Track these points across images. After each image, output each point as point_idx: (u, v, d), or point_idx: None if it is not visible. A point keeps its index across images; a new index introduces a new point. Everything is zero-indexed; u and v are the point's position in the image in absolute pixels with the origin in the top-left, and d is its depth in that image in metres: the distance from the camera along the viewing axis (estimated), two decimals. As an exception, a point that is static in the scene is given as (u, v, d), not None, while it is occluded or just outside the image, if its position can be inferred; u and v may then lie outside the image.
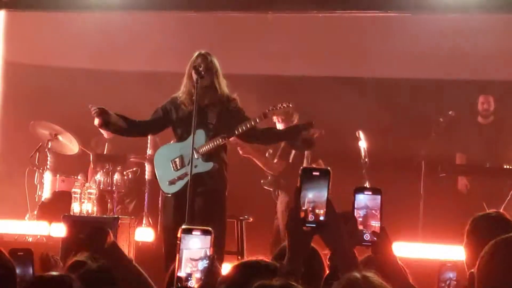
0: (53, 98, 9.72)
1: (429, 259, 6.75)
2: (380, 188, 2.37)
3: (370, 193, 2.36)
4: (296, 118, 8.22)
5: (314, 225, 2.20)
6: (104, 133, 8.81)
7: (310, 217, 2.19)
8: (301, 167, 2.25)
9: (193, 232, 2.40)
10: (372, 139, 7.80)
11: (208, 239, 2.39)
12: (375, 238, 2.34)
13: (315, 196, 2.20)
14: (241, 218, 6.94)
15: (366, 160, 7.64)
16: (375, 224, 2.35)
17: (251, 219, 7.12)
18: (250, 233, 7.05)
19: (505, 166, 7.74)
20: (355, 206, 2.35)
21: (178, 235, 2.39)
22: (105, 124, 5.82)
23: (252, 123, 5.73)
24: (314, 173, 2.21)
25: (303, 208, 2.19)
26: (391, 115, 9.24)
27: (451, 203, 8.02)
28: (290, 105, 5.83)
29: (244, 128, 5.73)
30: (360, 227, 2.34)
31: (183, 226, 2.46)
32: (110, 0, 7.17)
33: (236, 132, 5.74)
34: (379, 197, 2.35)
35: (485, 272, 2.22)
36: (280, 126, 8.07)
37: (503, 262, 2.21)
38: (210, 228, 2.42)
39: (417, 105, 9.30)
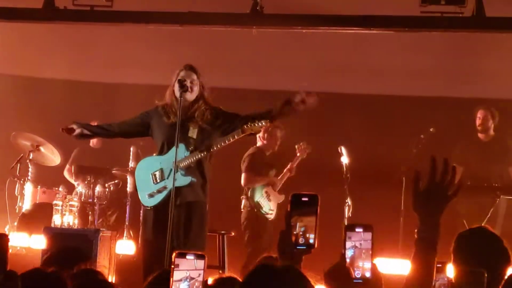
0: (35, 109, 9.70)
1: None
2: (371, 225, 2.40)
3: (361, 229, 2.40)
4: (279, 133, 8.27)
5: (304, 248, 2.36)
6: (91, 142, 8.99)
7: (301, 240, 2.36)
8: (291, 194, 2.38)
9: (187, 256, 2.44)
10: (354, 154, 7.85)
11: (201, 263, 2.43)
12: (366, 275, 2.38)
13: (305, 221, 2.36)
14: (222, 232, 6.94)
15: (348, 175, 7.70)
16: (367, 262, 2.38)
17: (233, 233, 7.12)
18: (231, 247, 7.04)
19: (485, 184, 7.78)
20: (346, 244, 2.38)
21: (172, 259, 2.43)
22: (80, 136, 5.97)
23: (230, 139, 5.69)
24: (303, 199, 2.37)
25: (294, 232, 2.36)
26: (373, 131, 9.31)
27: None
28: (268, 122, 5.79)
29: (221, 145, 5.72)
30: (351, 264, 2.38)
31: (177, 251, 2.49)
32: (96, 12, 7.15)
33: (212, 149, 5.74)
34: (370, 233, 2.39)
35: None
36: (259, 143, 8.15)
37: None
38: (203, 253, 2.46)
39: (398, 121, 9.37)
